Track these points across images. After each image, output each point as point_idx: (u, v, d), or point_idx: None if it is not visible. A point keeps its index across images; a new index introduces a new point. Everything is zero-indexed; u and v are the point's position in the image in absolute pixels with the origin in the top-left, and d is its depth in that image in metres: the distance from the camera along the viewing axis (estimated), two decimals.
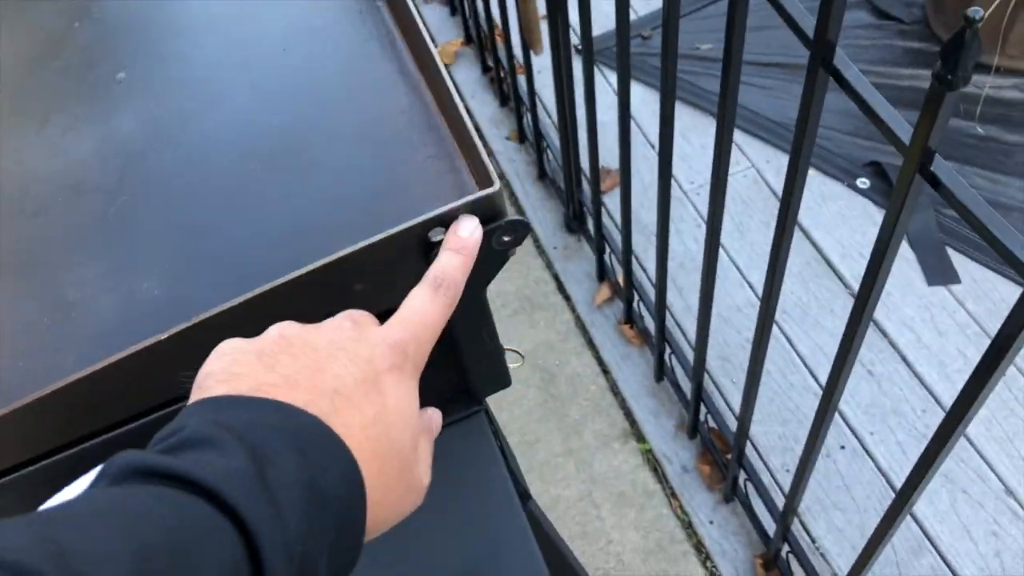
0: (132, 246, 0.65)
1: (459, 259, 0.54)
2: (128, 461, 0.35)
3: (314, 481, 0.37)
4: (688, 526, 1.68)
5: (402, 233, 0.58)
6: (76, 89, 0.77)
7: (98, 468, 0.36)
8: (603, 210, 1.85)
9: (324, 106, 0.73)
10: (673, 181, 2.07)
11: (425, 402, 0.51)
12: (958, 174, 0.67)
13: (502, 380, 0.82)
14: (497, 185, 0.60)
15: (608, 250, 1.90)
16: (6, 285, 0.65)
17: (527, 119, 2.17)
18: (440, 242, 0.59)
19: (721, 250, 1.89)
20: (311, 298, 0.58)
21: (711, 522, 1.67)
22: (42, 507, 0.39)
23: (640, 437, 1.78)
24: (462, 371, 0.77)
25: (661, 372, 1.80)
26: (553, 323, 1.96)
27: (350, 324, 0.48)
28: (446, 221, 0.59)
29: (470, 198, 0.60)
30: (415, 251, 0.60)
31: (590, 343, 1.91)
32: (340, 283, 0.61)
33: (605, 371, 1.88)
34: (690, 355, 1.74)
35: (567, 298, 1.99)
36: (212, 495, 0.34)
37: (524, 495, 0.95)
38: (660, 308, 1.62)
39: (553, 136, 2.11)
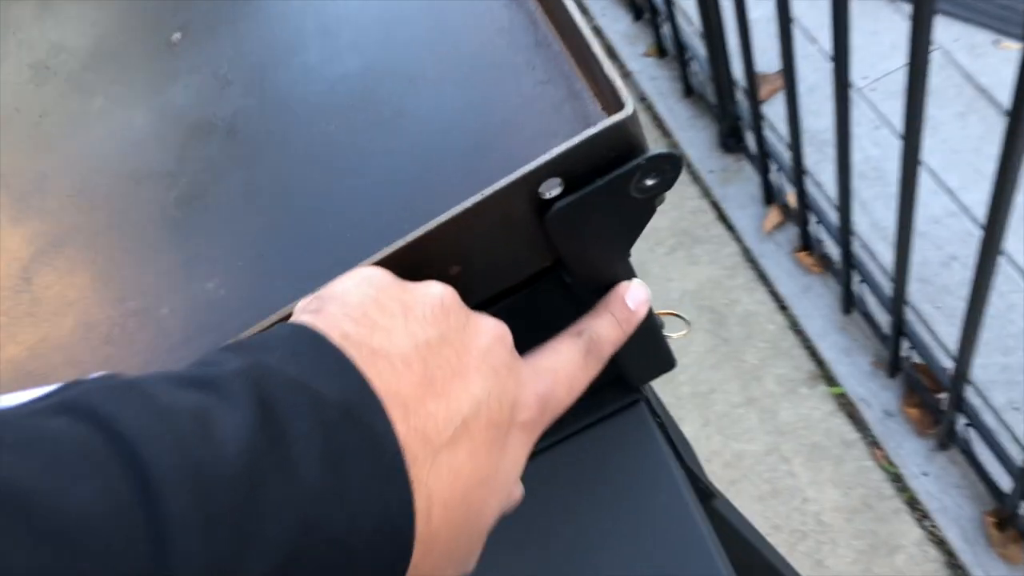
0: (196, 239, 0.52)
1: (617, 333, 0.47)
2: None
3: (333, 531, 0.27)
4: (897, 479, 1.45)
5: (501, 193, 0.42)
6: (126, 57, 0.63)
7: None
8: (763, 122, 1.61)
9: (403, 39, 0.56)
10: None
11: None
12: None
13: (663, 362, 0.63)
14: (630, 108, 0.42)
15: (774, 167, 1.66)
16: (60, 293, 0.53)
17: (666, 30, 1.93)
18: (556, 199, 0.42)
19: None
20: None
21: (925, 474, 1.43)
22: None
23: (830, 380, 1.56)
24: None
25: (850, 303, 1.55)
26: (717, 257, 1.74)
27: (503, 348, 0.39)
28: (559, 168, 0.42)
29: (591, 131, 0.43)
30: (524, 215, 0.43)
31: (762, 276, 1.69)
32: (429, 266, 0.44)
33: (783, 307, 1.65)
34: (883, 280, 1.49)
35: (730, 227, 1.76)
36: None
37: (705, 494, 0.77)
38: (844, 228, 1.38)
39: (697, 45, 1.86)
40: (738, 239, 1.74)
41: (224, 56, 0.60)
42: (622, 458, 0.66)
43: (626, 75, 2.03)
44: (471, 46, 0.53)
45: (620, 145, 0.43)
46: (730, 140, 1.80)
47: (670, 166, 0.45)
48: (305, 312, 0.35)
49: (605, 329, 0.46)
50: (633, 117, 0.43)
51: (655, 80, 1.98)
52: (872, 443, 1.49)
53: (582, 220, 0.45)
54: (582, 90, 0.47)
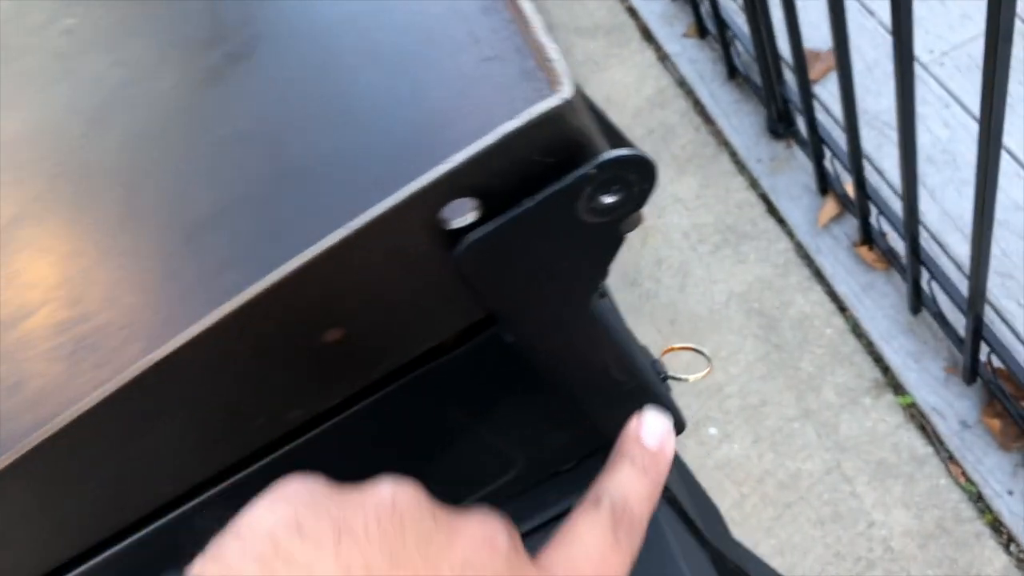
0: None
1: (646, 485, 0.36)
2: None
3: None
4: (978, 499, 1.29)
5: (380, 223, 0.30)
6: (16, 50, 0.52)
7: None
8: (816, 104, 1.45)
9: (315, 10, 0.44)
10: None
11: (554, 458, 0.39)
12: None
13: None
14: (567, 91, 0.29)
15: (829, 154, 1.50)
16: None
17: (705, 7, 1.77)
18: (469, 228, 0.29)
19: None
20: (242, 368, 0.31)
21: (1010, 492, 1.27)
22: None
23: (898, 388, 1.39)
24: (590, 425, 0.46)
25: (919, 302, 1.39)
26: (767, 255, 1.58)
27: (493, 555, 0.30)
28: (465, 184, 0.29)
29: (508, 128, 0.29)
30: (425, 253, 0.31)
31: (818, 275, 1.53)
32: (294, 332, 0.32)
33: (842, 308, 1.49)
34: (956, 276, 1.32)
35: (781, 221, 1.60)
36: None
37: (718, 558, 0.63)
38: (911, 218, 1.22)
39: (740, 23, 1.70)
40: (790, 234, 1.58)
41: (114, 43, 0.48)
42: None
43: (664, 58, 1.88)
44: (405, 10, 0.41)
45: (558, 147, 0.30)
46: (779, 125, 1.64)
47: (637, 175, 0.31)
48: (202, 558, 0.27)
49: (629, 485, 0.35)
50: (574, 104, 0.30)
51: (695, 63, 1.83)
52: (947, 458, 1.33)
53: (509, 258, 0.32)
54: (534, 69, 0.34)
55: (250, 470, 0.39)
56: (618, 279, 1.66)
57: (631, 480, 0.36)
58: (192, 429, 0.36)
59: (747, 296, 1.56)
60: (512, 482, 0.50)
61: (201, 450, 0.38)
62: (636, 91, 1.87)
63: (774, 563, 1.39)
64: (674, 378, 0.58)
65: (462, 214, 0.31)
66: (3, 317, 0.38)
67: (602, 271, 0.35)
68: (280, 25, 0.43)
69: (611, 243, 0.34)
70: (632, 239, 1.69)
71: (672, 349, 0.61)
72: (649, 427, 0.39)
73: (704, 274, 1.61)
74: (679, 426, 0.49)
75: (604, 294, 0.43)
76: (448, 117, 0.34)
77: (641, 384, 0.43)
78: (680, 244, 1.65)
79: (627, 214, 0.32)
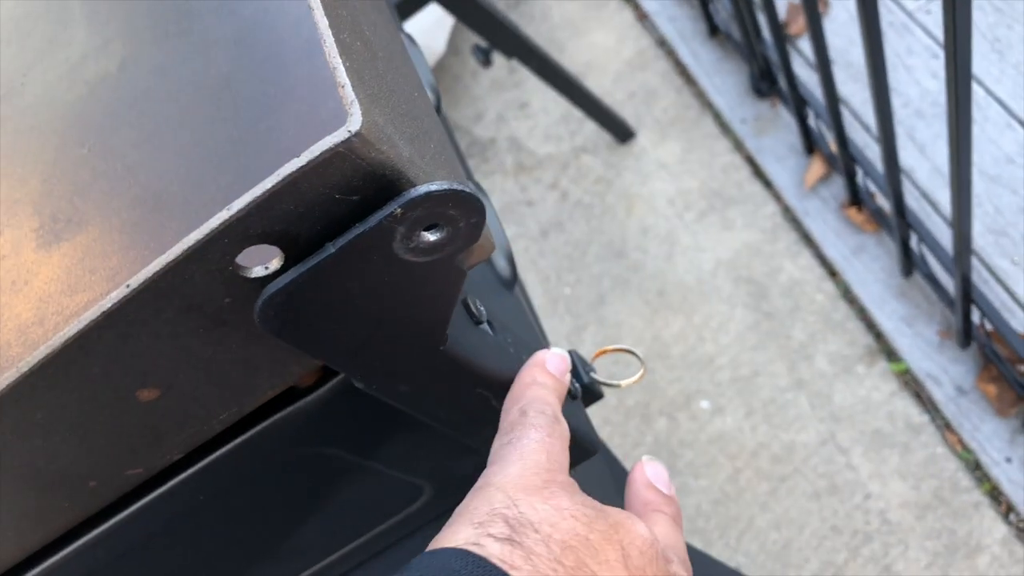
0: None
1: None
2: None
3: None
4: (976, 467, 1.24)
5: (163, 277, 0.25)
6: None
7: None
8: (800, 58, 1.39)
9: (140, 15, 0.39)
10: (892, 2, 1.55)
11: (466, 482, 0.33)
12: None
13: (573, 451, 0.45)
14: (355, 122, 0.25)
15: (812, 113, 1.43)
16: None
17: None
18: (273, 276, 0.24)
19: (974, 83, 1.36)
20: (54, 433, 0.28)
21: (1008, 460, 1.22)
22: None
23: (892, 354, 1.34)
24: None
25: (909, 264, 1.33)
26: (754, 219, 1.53)
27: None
28: (255, 231, 0.25)
29: (293, 166, 0.24)
30: (229, 306, 0.26)
31: (806, 238, 1.47)
32: (107, 390, 0.28)
33: (832, 273, 1.43)
34: (947, 236, 1.26)
35: (767, 184, 1.55)
36: None
37: None
38: (892, 175, 1.16)
39: None
40: (777, 197, 1.53)
41: None
42: None
43: (642, 17, 1.82)
44: (235, 19, 0.36)
45: (357, 185, 0.26)
46: (763, 84, 1.58)
47: (458, 211, 0.27)
48: (489, 536, 0.27)
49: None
50: (365, 137, 0.25)
51: (675, 21, 1.76)
52: (944, 426, 1.28)
53: (325, 306, 0.28)
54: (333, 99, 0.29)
55: (89, 537, 0.36)
56: (604, 250, 1.61)
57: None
58: (14, 494, 0.32)
59: (735, 263, 1.51)
60: (423, 510, 0.46)
61: (33, 515, 0.34)
62: (616, 54, 1.81)
63: (770, 538, 1.36)
64: (606, 384, 0.54)
65: (264, 262, 0.27)
66: None
67: (447, 307, 0.30)
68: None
69: (451, 279, 0.29)
70: (617, 208, 1.64)
71: (605, 351, 0.57)
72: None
73: (691, 242, 1.55)
74: (590, 450, 0.45)
75: (481, 320, 0.38)
76: (265, 143, 0.30)
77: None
78: (665, 211, 1.60)
79: (459, 250, 0.28)
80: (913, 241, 1.29)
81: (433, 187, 0.26)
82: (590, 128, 1.71)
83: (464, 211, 0.27)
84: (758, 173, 1.56)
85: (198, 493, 0.36)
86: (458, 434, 0.37)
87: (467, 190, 0.26)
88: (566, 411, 0.39)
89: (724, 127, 1.62)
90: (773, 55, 1.48)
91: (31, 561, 0.34)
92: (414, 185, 0.26)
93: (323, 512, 0.40)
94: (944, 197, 1.36)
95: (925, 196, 1.38)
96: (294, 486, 0.39)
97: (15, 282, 0.33)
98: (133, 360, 0.27)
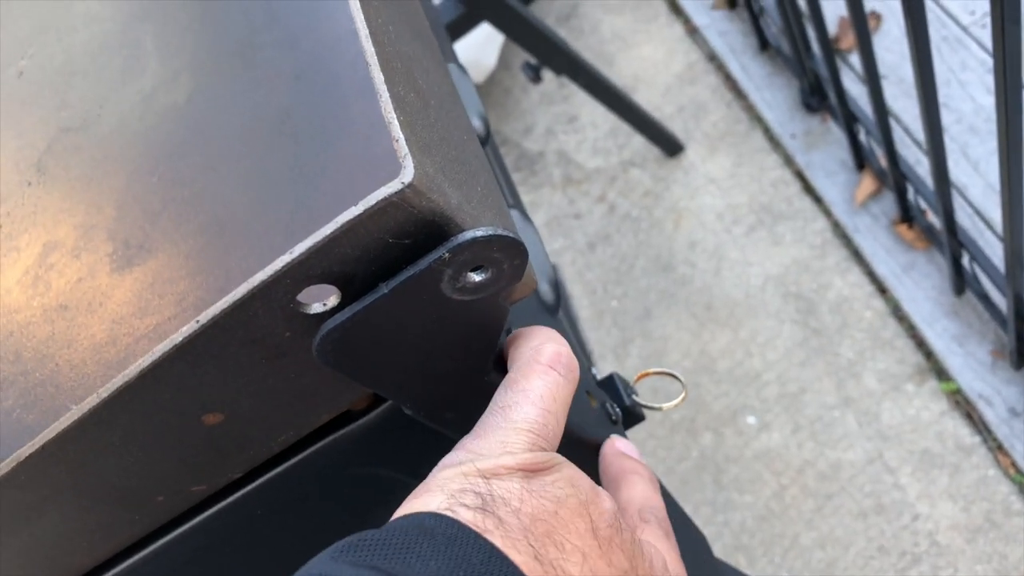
0: None
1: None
2: None
3: None
4: None
5: (230, 315, 0.27)
6: None
7: None
8: (851, 73, 1.38)
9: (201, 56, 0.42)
10: (946, 16, 1.53)
11: None
12: None
13: None
14: (408, 174, 0.27)
15: (862, 129, 1.43)
16: None
17: None
18: (330, 312, 0.26)
19: None
20: (123, 452, 0.30)
21: None
22: None
23: (942, 374, 1.33)
24: None
25: (961, 282, 1.32)
26: (803, 235, 1.52)
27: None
28: (315, 272, 0.27)
29: (351, 213, 0.27)
30: (289, 341, 0.29)
31: (856, 255, 1.46)
32: (173, 415, 0.30)
33: (882, 290, 1.42)
34: (1001, 254, 1.25)
35: (817, 200, 1.54)
36: None
37: None
38: (943, 192, 1.15)
39: None
40: (827, 212, 1.52)
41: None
42: None
43: (692, 31, 1.82)
44: (298, 61, 0.38)
45: (409, 230, 0.28)
46: (813, 99, 1.57)
47: (502, 254, 0.28)
48: (462, 504, 0.29)
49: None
50: (417, 187, 0.27)
51: (725, 35, 1.76)
52: (996, 448, 1.26)
53: (377, 341, 0.30)
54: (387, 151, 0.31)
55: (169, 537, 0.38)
56: (651, 264, 1.62)
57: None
58: (89, 507, 0.35)
59: (784, 279, 1.50)
60: None
61: (104, 527, 0.36)
62: (665, 67, 1.81)
63: (815, 557, 1.35)
64: (648, 407, 0.55)
65: (322, 299, 0.29)
66: None
67: (491, 341, 0.32)
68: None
69: (494, 316, 0.31)
70: (665, 222, 1.64)
71: (646, 375, 0.58)
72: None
73: (739, 256, 1.55)
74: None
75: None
76: (326, 190, 0.32)
77: (572, 437, 0.40)
78: (714, 226, 1.60)
79: (501, 290, 0.29)
80: (965, 259, 1.28)
81: (479, 232, 0.27)
82: (638, 142, 1.71)
83: (508, 254, 0.28)
84: (808, 188, 1.55)
85: (256, 508, 0.38)
86: None
87: (510, 235, 0.28)
88: (588, 427, 0.40)
89: (774, 142, 1.62)
90: (823, 70, 1.48)
91: (100, 570, 0.37)
92: (462, 229, 0.28)
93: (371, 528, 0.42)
94: (998, 215, 1.34)
95: (979, 213, 1.37)
96: (345, 504, 0.41)
97: (91, 303, 0.35)
98: (200, 388, 0.29)
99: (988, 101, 1.44)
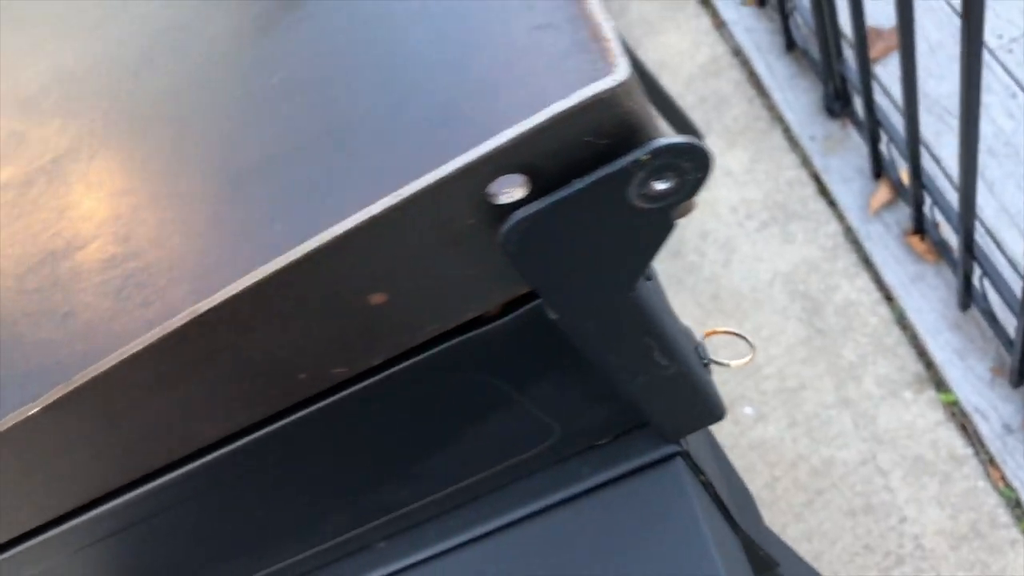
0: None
1: None
2: None
3: None
4: (1016, 505, 1.25)
5: (427, 193, 0.28)
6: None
7: None
8: (875, 84, 1.40)
9: None
10: None
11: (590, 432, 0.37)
12: None
13: (706, 412, 0.47)
14: (622, 73, 0.26)
15: (885, 137, 1.44)
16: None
17: None
18: (516, 205, 0.27)
19: None
20: (287, 323, 0.30)
21: None
22: None
23: (941, 385, 1.35)
24: (629, 402, 0.44)
25: (968, 298, 1.34)
26: (815, 236, 1.54)
27: None
28: (514, 161, 0.27)
29: (560, 107, 0.26)
30: (470, 227, 0.29)
31: (866, 261, 1.48)
32: (342, 292, 0.30)
33: (888, 297, 1.45)
34: (1010, 275, 1.28)
35: (832, 203, 1.56)
36: None
37: (765, 563, 0.61)
38: (967, 212, 1.17)
39: None
40: (840, 217, 1.54)
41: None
42: (649, 523, 0.51)
43: (719, 25, 1.83)
44: None
45: (610, 130, 0.28)
46: (836, 104, 1.59)
47: (692, 163, 0.29)
48: None
49: None
50: (628, 87, 0.27)
51: (752, 32, 1.77)
52: (987, 461, 1.29)
53: (556, 239, 0.30)
54: (589, 41, 0.31)
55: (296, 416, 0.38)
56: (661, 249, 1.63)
57: None
58: (239, 376, 0.35)
59: (792, 277, 1.52)
60: (546, 452, 0.48)
61: (245, 398, 0.37)
62: (690, 57, 1.82)
63: (801, 548, 1.37)
64: (717, 363, 0.56)
65: (510, 190, 0.29)
66: (57, 247, 0.37)
67: (649, 256, 0.33)
68: None
69: (661, 229, 0.31)
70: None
71: (715, 332, 0.59)
72: None
73: (750, 251, 1.57)
74: (718, 414, 0.47)
75: (651, 277, 0.41)
76: (497, 86, 0.32)
77: (682, 370, 0.41)
78: (727, 218, 1.61)
79: (679, 201, 0.30)
80: (975, 276, 1.30)
81: (678, 139, 0.28)
82: None
83: (695, 165, 0.29)
84: (823, 191, 1.57)
85: (368, 404, 0.39)
86: (617, 378, 0.39)
87: (706, 147, 0.28)
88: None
89: (793, 142, 1.63)
90: (852, 76, 1.49)
91: (231, 438, 0.37)
92: (657, 136, 0.28)
93: (462, 440, 0.43)
94: (1008, 236, 1.37)
95: (990, 233, 1.39)
96: (447, 410, 0.41)
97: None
98: (378, 264, 0.30)
99: (1008, 125, 1.46)
